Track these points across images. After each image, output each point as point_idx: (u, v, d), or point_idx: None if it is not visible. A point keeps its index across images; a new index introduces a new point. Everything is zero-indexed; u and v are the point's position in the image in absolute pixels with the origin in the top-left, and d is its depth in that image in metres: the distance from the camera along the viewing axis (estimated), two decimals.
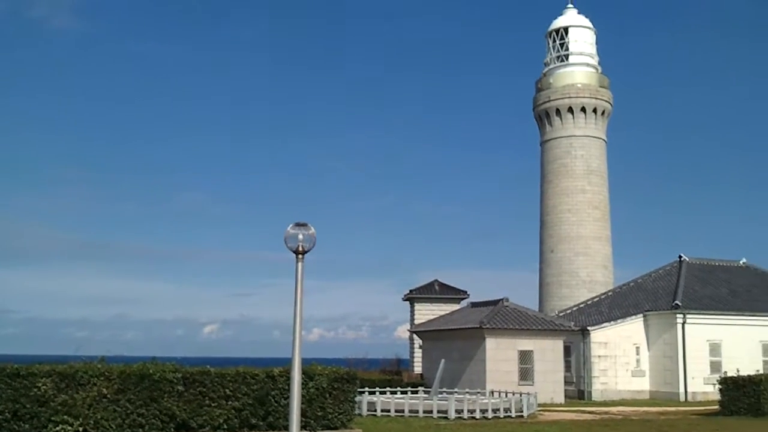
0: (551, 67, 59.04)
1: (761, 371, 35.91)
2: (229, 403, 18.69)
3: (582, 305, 46.59)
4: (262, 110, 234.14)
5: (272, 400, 19.04)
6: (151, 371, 18.02)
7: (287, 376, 17.99)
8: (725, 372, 33.71)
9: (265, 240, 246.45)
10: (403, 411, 27.74)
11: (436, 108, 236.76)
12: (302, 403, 17.84)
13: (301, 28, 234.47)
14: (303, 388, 18.45)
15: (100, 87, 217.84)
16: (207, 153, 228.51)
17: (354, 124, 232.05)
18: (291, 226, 13.50)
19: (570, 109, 56.75)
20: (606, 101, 57.74)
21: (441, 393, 31.44)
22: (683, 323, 39.57)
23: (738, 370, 33.13)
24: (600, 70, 59.13)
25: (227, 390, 18.70)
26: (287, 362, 14.32)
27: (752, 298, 44.18)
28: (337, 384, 19.98)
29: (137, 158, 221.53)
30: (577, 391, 39.93)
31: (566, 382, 37.94)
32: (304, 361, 17.86)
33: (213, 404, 18.52)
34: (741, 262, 49.35)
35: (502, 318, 36.12)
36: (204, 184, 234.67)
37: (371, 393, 30.29)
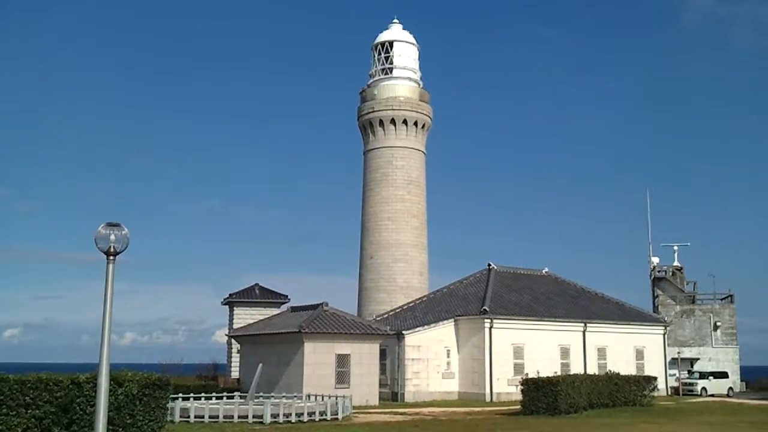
0: (376, 78, 60.48)
1: (559, 373, 38.67)
2: (29, 411, 17.62)
3: (398, 310, 48.05)
4: (76, 104, 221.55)
5: (77, 407, 18.16)
6: None
7: (94, 382, 17.23)
8: (527, 374, 36.05)
9: (74, 240, 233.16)
10: (217, 417, 27.34)
11: (264, 111, 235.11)
12: (110, 411, 17.20)
13: (101, 20, 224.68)
14: (111, 395, 17.75)
15: None
16: (13, 147, 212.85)
17: (178, 123, 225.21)
18: (102, 225, 13.03)
19: (392, 121, 58.40)
20: (426, 115, 59.93)
21: (258, 397, 31.26)
22: (490, 328, 41.80)
23: (538, 372, 35.57)
24: (422, 85, 61.29)
25: (27, 397, 17.62)
26: (96, 368, 13.77)
27: (552, 304, 47.49)
28: (148, 390, 19.38)
29: None
30: (391, 393, 41.09)
31: (381, 385, 38.97)
32: (115, 367, 17.25)
33: (11, 413, 17.39)
34: (543, 271, 52.92)
35: (321, 322, 36.50)
36: (5, 178, 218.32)
37: (185, 399, 29.56)
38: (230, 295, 52.42)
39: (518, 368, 41.69)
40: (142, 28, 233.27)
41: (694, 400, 44.03)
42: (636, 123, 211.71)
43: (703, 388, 48.89)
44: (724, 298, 57.48)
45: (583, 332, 45.76)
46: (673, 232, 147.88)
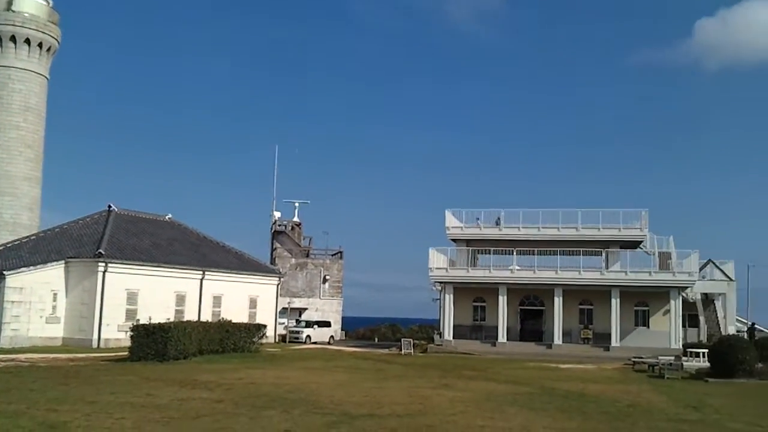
0: None
1: (173, 320, 38.47)
2: None
3: (1, 248, 43.64)
4: None
5: None
6: None
7: None
8: (138, 320, 35.34)
9: None
10: None
11: None
12: None
13: None
14: None
15: None
16: None
17: None
18: None
19: (13, 38, 52.52)
20: (53, 37, 54.93)
21: None
22: (104, 272, 40.04)
23: (150, 318, 35.07)
24: (51, 4, 55.91)
25: None
26: None
27: (173, 251, 46.97)
28: None
29: None
30: None
31: None
32: None
33: None
34: (167, 217, 52.06)
35: None
36: None
37: None
38: None
39: (131, 314, 40.56)
40: None
41: (298, 347, 47.01)
42: (268, 85, 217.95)
43: (308, 336, 52.42)
44: (335, 254, 62.25)
45: (201, 280, 46.04)
46: (298, 189, 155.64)
